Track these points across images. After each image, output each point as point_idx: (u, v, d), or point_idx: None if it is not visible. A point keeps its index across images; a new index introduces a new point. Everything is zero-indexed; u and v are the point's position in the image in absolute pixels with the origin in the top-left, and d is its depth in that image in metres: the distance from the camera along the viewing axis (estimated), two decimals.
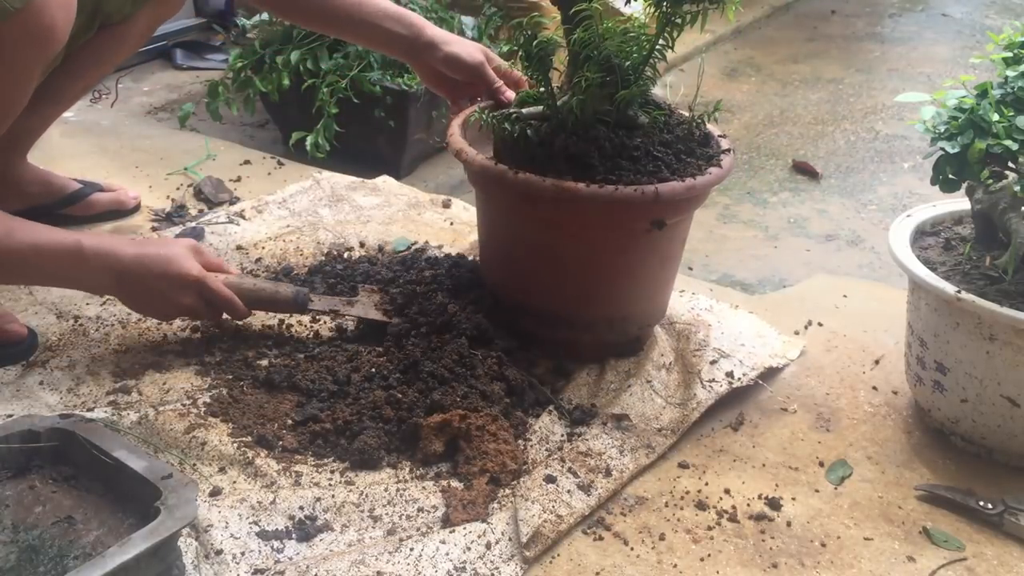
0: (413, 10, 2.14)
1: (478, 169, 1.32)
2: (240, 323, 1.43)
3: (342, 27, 1.60)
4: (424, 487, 1.17)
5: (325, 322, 1.49)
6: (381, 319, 1.44)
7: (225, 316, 1.39)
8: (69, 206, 1.75)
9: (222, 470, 1.17)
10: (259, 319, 1.48)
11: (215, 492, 1.13)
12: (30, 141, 1.70)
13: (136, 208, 1.83)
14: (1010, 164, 1.20)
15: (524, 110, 1.37)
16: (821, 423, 1.35)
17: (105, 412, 1.24)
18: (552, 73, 1.32)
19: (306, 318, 1.49)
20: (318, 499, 1.13)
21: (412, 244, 1.73)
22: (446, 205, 1.92)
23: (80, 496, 1.00)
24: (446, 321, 1.37)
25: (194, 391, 1.30)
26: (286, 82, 2.13)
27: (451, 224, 1.84)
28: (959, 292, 1.19)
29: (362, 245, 1.73)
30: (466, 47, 1.53)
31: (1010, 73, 1.23)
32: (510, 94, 1.50)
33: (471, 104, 1.53)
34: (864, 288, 1.73)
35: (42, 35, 1.17)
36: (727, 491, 1.21)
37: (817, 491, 1.23)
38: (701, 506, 1.18)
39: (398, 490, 1.16)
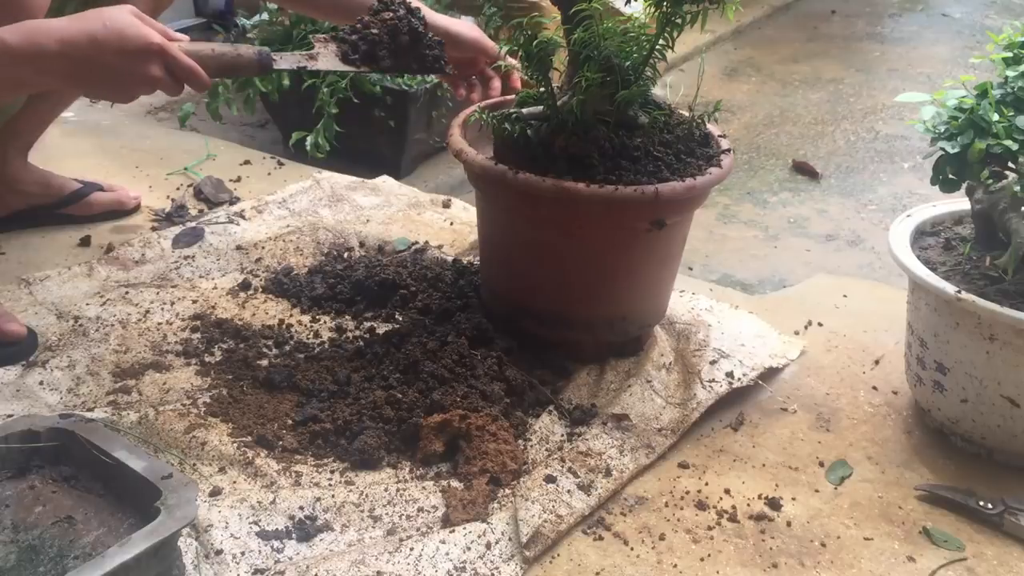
0: None
1: (478, 169, 1.32)
2: (200, 93, 1.30)
3: (346, 14, 1.59)
4: (424, 487, 1.17)
5: (325, 322, 1.49)
6: (348, 68, 1.34)
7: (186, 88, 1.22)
8: (69, 206, 1.75)
9: (222, 470, 1.17)
10: (259, 319, 1.48)
11: (215, 492, 1.13)
12: (29, 141, 1.70)
13: (136, 208, 1.83)
14: (1010, 164, 1.20)
15: (524, 110, 1.37)
16: (821, 423, 1.35)
17: (105, 412, 1.24)
18: (552, 73, 1.33)
19: (307, 318, 1.49)
20: (318, 499, 1.13)
21: (412, 244, 1.73)
22: (446, 205, 1.92)
23: (80, 496, 1.00)
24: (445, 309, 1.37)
25: (194, 391, 1.30)
26: (286, 82, 2.13)
27: (451, 224, 1.84)
28: (959, 292, 1.19)
29: (362, 245, 1.73)
30: (462, 24, 1.55)
31: (1010, 73, 1.23)
32: (497, 84, 1.53)
33: (471, 88, 1.54)
34: (864, 288, 1.73)
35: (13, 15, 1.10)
36: (727, 491, 1.21)
37: (817, 491, 1.23)
38: (701, 506, 1.18)
39: (398, 490, 1.16)
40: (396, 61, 1.35)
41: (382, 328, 1.47)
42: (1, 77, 1.13)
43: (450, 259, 1.65)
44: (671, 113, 1.41)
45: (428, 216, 1.87)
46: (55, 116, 1.73)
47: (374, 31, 1.34)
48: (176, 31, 1.22)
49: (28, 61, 1.09)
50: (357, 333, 1.47)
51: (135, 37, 1.12)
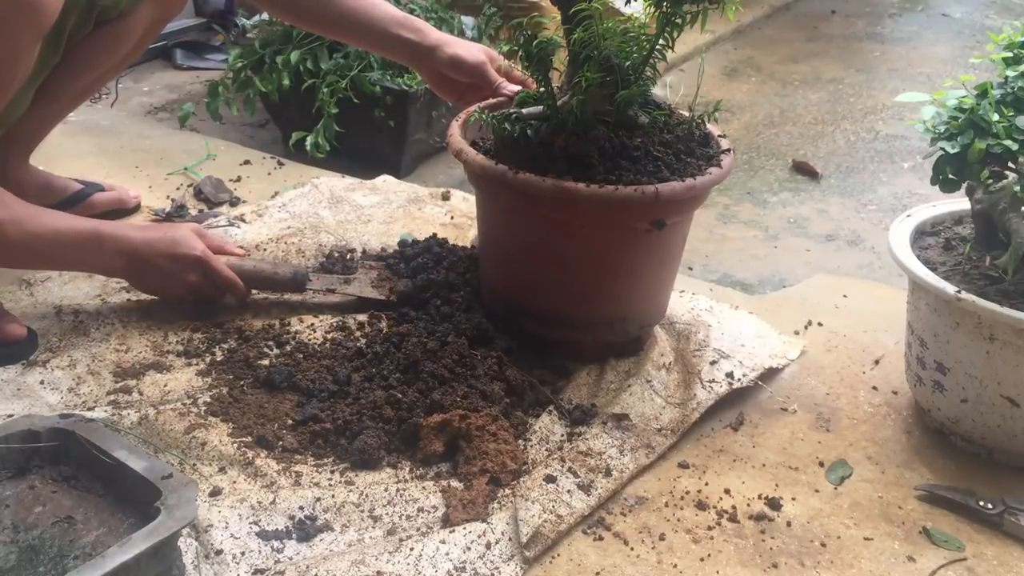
0: (413, 11, 2.15)
1: (478, 169, 1.32)
2: (238, 302, 1.49)
3: (347, 32, 1.61)
4: (424, 487, 1.17)
5: (325, 319, 1.49)
6: (378, 297, 1.46)
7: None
8: (71, 207, 1.75)
9: (222, 470, 1.17)
10: (260, 319, 1.48)
11: (215, 492, 1.13)
12: (31, 145, 1.70)
13: (136, 208, 1.83)
14: (1010, 164, 1.20)
15: (524, 110, 1.37)
16: (821, 423, 1.35)
17: (105, 412, 1.24)
18: (552, 73, 1.33)
19: (308, 317, 1.49)
20: (318, 499, 1.13)
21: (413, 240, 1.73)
22: (445, 197, 1.92)
23: (80, 496, 1.00)
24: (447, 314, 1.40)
25: (194, 391, 1.30)
26: (286, 82, 2.13)
27: (452, 218, 1.84)
28: (959, 292, 1.19)
29: (364, 252, 1.72)
30: (468, 48, 1.54)
31: (1010, 73, 1.23)
32: (513, 87, 1.51)
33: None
34: (864, 288, 1.73)
35: (33, 8, 1.19)
36: (727, 491, 1.21)
37: (817, 491, 1.23)
38: (701, 506, 1.18)
39: (398, 490, 1.16)
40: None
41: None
42: (69, 260, 1.39)
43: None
44: (671, 113, 1.41)
45: (429, 211, 1.87)
46: (58, 121, 1.73)
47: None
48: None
49: (93, 250, 1.35)
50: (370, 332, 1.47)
51: (184, 247, 1.39)
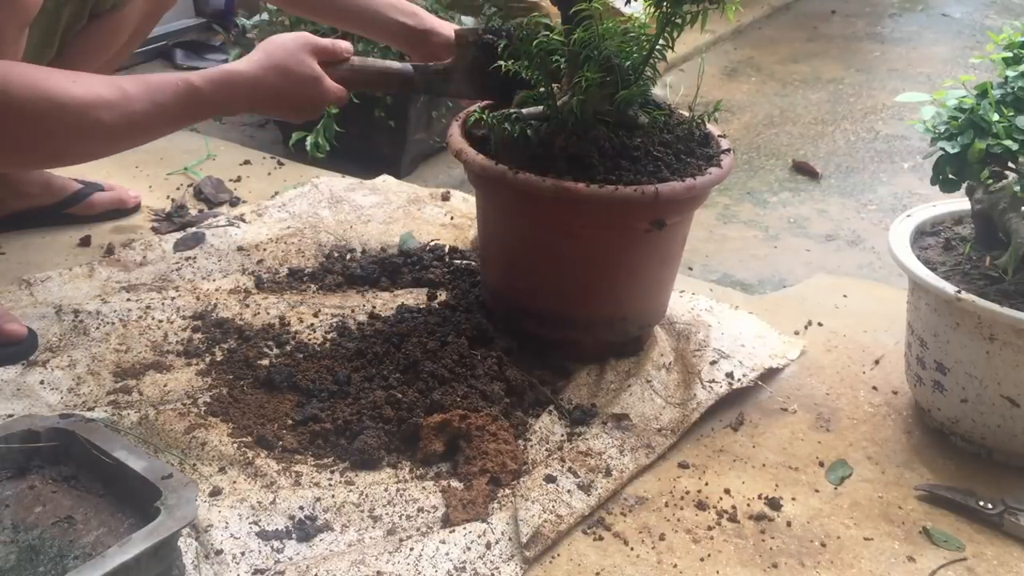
0: None
1: (478, 169, 1.32)
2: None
3: (345, 17, 1.63)
4: (424, 487, 1.17)
5: (325, 319, 1.49)
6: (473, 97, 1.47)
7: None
8: (71, 207, 1.75)
9: (222, 470, 1.17)
10: (260, 319, 1.48)
11: (215, 492, 1.13)
12: None
13: (136, 207, 1.83)
14: (1010, 164, 1.20)
15: (524, 110, 1.37)
16: (821, 423, 1.35)
17: (105, 412, 1.24)
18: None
19: (308, 317, 1.49)
20: (318, 499, 1.13)
21: (413, 240, 1.73)
22: (445, 198, 1.92)
23: (80, 496, 1.00)
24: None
25: (194, 391, 1.31)
26: None
27: (452, 219, 1.84)
28: (959, 292, 1.19)
29: (364, 252, 1.72)
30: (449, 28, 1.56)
31: (1010, 73, 1.23)
32: None
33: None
34: (864, 288, 1.73)
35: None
36: (727, 491, 1.21)
37: (817, 491, 1.23)
38: (701, 506, 1.18)
39: (398, 490, 1.16)
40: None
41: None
42: (179, 124, 1.27)
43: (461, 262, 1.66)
44: (671, 113, 1.41)
45: (429, 211, 1.87)
46: None
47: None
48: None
49: (194, 105, 1.25)
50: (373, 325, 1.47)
51: (301, 65, 1.31)
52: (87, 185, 1.78)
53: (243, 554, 1.05)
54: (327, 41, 1.37)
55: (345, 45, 1.40)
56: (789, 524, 1.17)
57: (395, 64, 1.46)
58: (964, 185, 1.26)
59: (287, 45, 1.32)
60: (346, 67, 1.39)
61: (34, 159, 1.25)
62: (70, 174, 1.80)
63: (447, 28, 1.56)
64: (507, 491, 1.17)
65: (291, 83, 1.30)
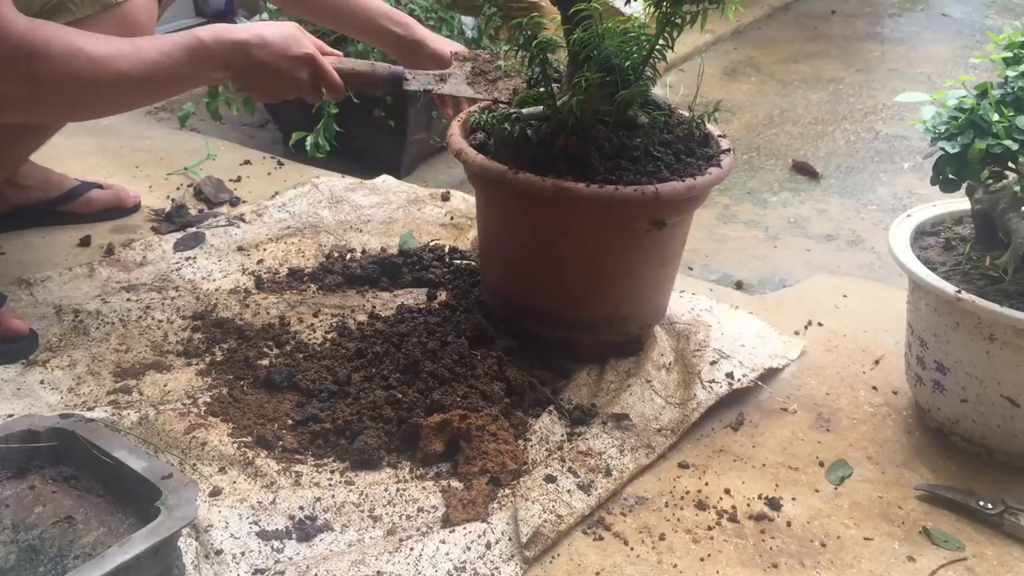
0: (413, 10, 2.16)
1: (478, 169, 1.32)
2: (336, 101, 1.50)
3: (340, 21, 1.69)
4: (424, 487, 1.17)
5: (324, 319, 1.49)
6: (476, 96, 1.48)
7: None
8: (69, 202, 1.75)
9: (222, 470, 1.17)
10: (260, 319, 1.48)
11: (215, 492, 1.13)
12: (37, 143, 1.69)
13: (136, 207, 1.83)
14: (1010, 164, 1.20)
15: (524, 110, 1.37)
16: (821, 423, 1.35)
17: (105, 412, 1.24)
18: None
19: (308, 317, 1.49)
20: (318, 499, 1.13)
21: (413, 240, 1.73)
22: (445, 198, 1.92)
23: (80, 496, 1.00)
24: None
25: (194, 391, 1.31)
26: None
27: (452, 219, 1.84)
28: (959, 292, 1.19)
29: (364, 252, 1.72)
30: (442, 43, 1.63)
31: (1010, 73, 1.23)
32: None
33: (456, 103, 1.58)
34: (864, 288, 1.73)
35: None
36: (727, 491, 1.21)
37: (817, 491, 1.23)
38: (701, 506, 1.18)
39: (398, 490, 1.16)
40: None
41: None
42: (184, 76, 1.32)
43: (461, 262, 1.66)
44: (671, 113, 1.41)
45: (428, 211, 1.87)
46: (61, 127, 1.72)
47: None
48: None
49: (202, 58, 1.30)
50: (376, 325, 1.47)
51: (297, 47, 1.36)
52: (84, 183, 1.78)
53: (243, 554, 1.05)
54: (318, 40, 1.44)
55: (336, 53, 1.47)
56: (789, 524, 1.17)
57: (382, 69, 1.48)
58: (964, 185, 1.26)
59: (287, 23, 1.40)
60: (333, 63, 1.43)
61: (71, 110, 1.35)
62: (70, 173, 1.80)
63: (436, 41, 1.62)
64: (507, 491, 1.17)
65: (293, 43, 1.35)
